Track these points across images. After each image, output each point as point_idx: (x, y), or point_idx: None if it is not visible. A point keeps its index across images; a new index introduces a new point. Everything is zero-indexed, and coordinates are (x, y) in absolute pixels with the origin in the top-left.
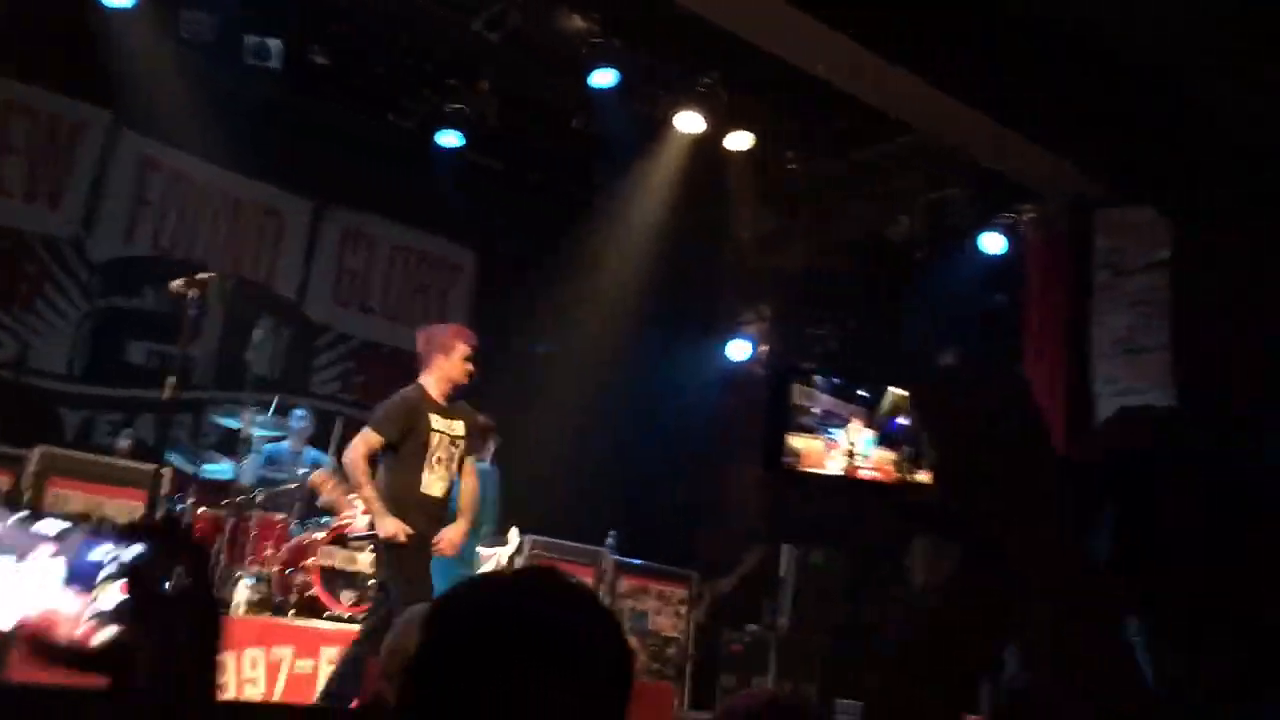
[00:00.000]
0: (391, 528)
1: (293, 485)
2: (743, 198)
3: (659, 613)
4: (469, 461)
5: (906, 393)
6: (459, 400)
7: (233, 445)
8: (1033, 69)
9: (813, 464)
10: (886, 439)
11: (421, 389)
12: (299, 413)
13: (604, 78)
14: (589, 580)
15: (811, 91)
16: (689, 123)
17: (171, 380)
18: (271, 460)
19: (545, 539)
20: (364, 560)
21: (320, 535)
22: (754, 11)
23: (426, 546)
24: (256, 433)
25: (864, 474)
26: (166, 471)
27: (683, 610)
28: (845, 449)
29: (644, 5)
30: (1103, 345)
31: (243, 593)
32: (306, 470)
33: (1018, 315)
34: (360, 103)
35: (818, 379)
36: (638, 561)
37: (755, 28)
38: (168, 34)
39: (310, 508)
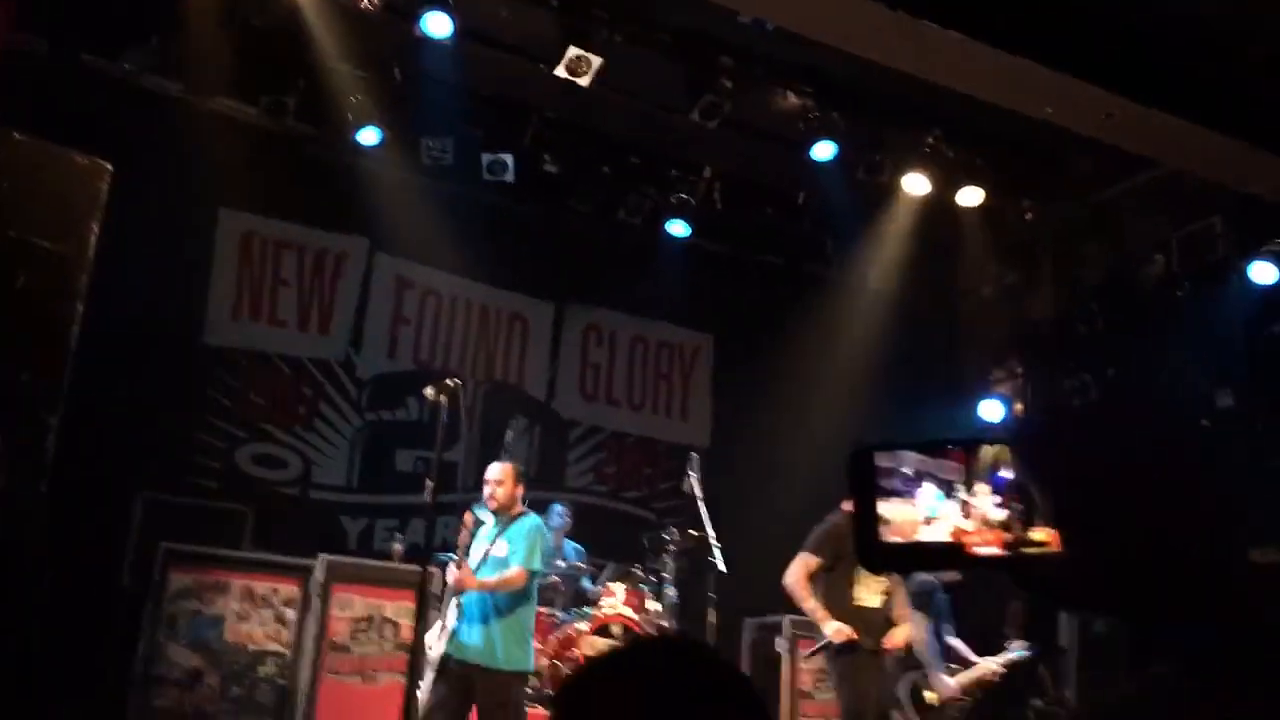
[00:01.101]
0: (834, 629)
1: (555, 579)
2: (980, 253)
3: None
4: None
5: (1004, 445)
6: None
7: None
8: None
9: (907, 533)
10: (995, 495)
11: (848, 518)
12: (558, 508)
13: (824, 150)
14: None
15: (1040, 136)
16: (916, 184)
17: (430, 485)
18: None
19: (805, 619)
20: None
21: (585, 626)
22: (968, 63)
23: (868, 655)
24: None
25: (976, 547)
26: (434, 571)
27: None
28: (951, 513)
29: (856, 74)
30: None
31: None
32: (567, 563)
33: None
34: (591, 204)
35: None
36: None
37: (972, 80)
38: (412, 162)
39: (574, 599)
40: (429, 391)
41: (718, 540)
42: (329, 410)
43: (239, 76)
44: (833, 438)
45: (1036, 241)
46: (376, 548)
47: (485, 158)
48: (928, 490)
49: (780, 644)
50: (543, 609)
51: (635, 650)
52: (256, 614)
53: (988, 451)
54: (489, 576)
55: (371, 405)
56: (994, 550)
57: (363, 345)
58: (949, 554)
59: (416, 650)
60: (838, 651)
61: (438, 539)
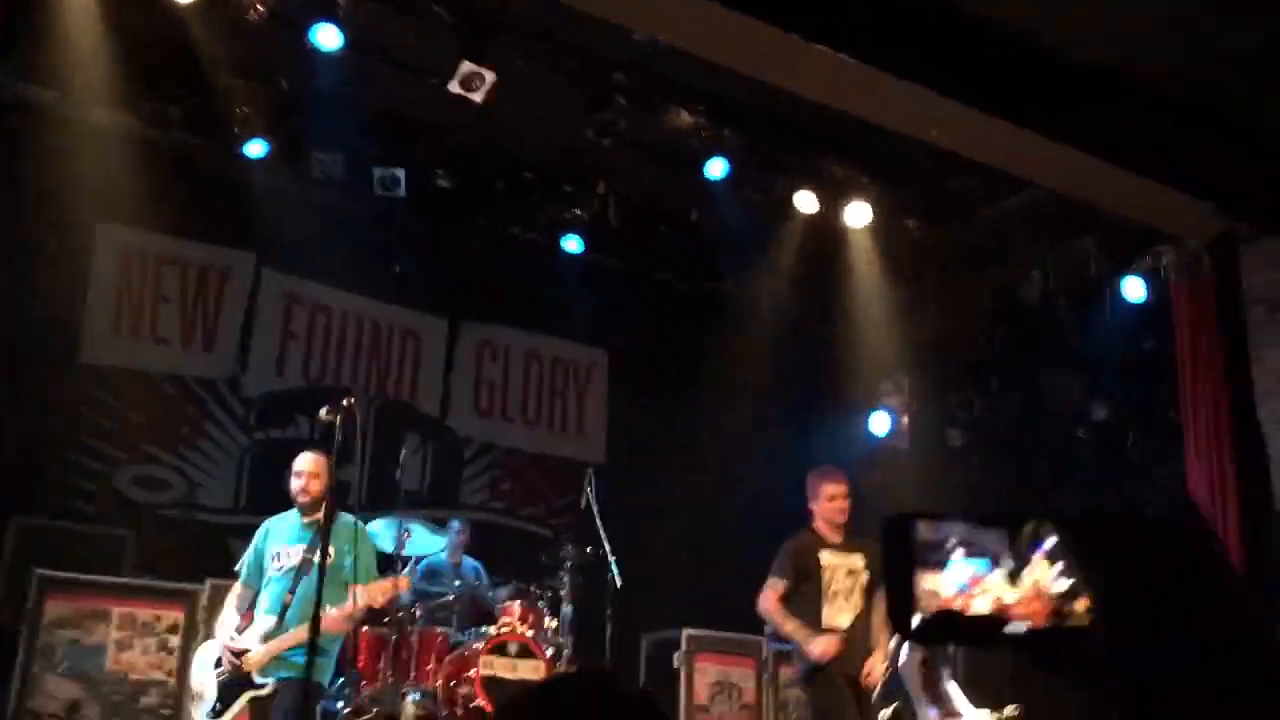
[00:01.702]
0: (820, 646)
1: (450, 598)
2: (868, 270)
3: None
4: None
5: (1044, 521)
6: (856, 534)
7: (391, 563)
8: (1158, 113)
9: (949, 605)
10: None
11: (812, 530)
12: (455, 525)
13: (716, 168)
14: (750, 671)
15: (927, 157)
16: (806, 202)
17: (326, 504)
18: (430, 573)
19: (701, 632)
20: (525, 668)
21: (479, 645)
22: (858, 86)
23: (843, 681)
24: (410, 550)
25: (1015, 621)
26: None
27: None
28: (997, 584)
29: (749, 93)
30: (1266, 382)
31: (409, 709)
32: (463, 582)
33: (1168, 361)
34: (485, 219)
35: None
36: None
37: (861, 102)
38: (300, 175)
39: (470, 619)
40: (323, 413)
41: (614, 556)
42: (214, 429)
43: (119, 86)
44: (728, 451)
45: (922, 259)
46: None
47: (377, 172)
48: (970, 562)
49: (677, 658)
50: (439, 628)
51: (550, 688)
52: (139, 642)
53: (1029, 525)
54: (330, 603)
55: (259, 424)
56: (1029, 624)
57: (249, 363)
58: (988, 627)
59: (308, 674)
60: (806, 678)
61: None
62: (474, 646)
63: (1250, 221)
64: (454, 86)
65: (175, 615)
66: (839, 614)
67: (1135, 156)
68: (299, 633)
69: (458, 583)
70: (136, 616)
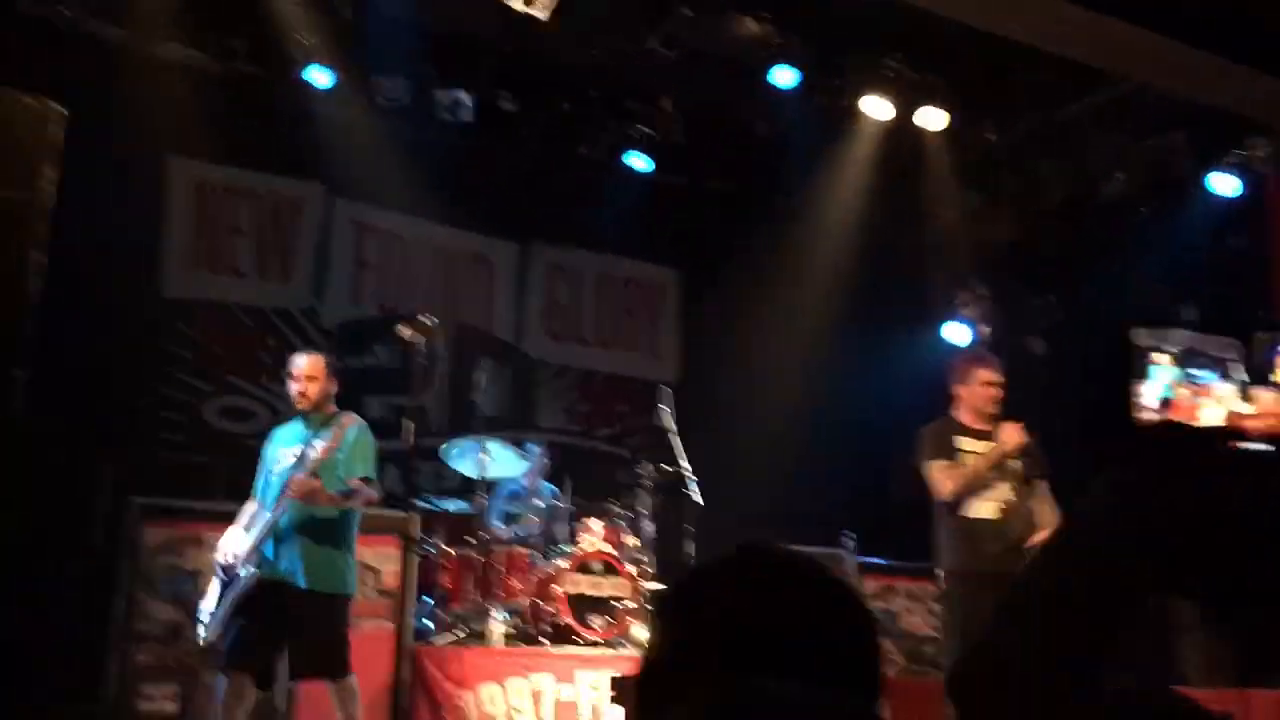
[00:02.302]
0: (1013, 436)
1: (533, 518)
2: (943, 176)
3: (910, 611)
4: (1038, 482)
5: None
6: (1001, 421)
7: (472, 485)
8: None
9: (1184, 416)
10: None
11: (948, 418)
12: (533, 448)
13: (785, 77)
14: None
15: (1000, 54)
16: (877, 109)
17: (410, 427)
18: (511, 496)
19: (786, 547)
20: (609, 585)
21: (564, 564)
22: None
23: (980, 580)
24: (492, 472)
25: (1252, 431)
26: (414, 517)
27: (935, 607)
28: (1229, 395)
29: None
30: None
31: (498, 627)
32: (544, 504)
33: (1260, 260)
34: (551, 141)
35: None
36: (880, 561)
37: None
38: (366, 103)
39: (552, 539)
40: (404, 331)
41: (692, 473)
42: None
43: (184, 20)
44: (802, 367)
45: (998, 163)
46: None
47: (441, 96)
48: (1208, 377)
49: None
50: (522, 550)
51: (741, 558)
52: None
53: (1264, 333)
54: (330, 482)
55: (339, 353)
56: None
57: (325, 292)
58: (1218, 443)
59: (403, 595)
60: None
61: (416, 484)
62: (559, 564)
63: None
64: (515, 4)
65: None
66: (983, 506)
67: (1225, 41)
68: (274, 514)
69: (540, 503)
70: None
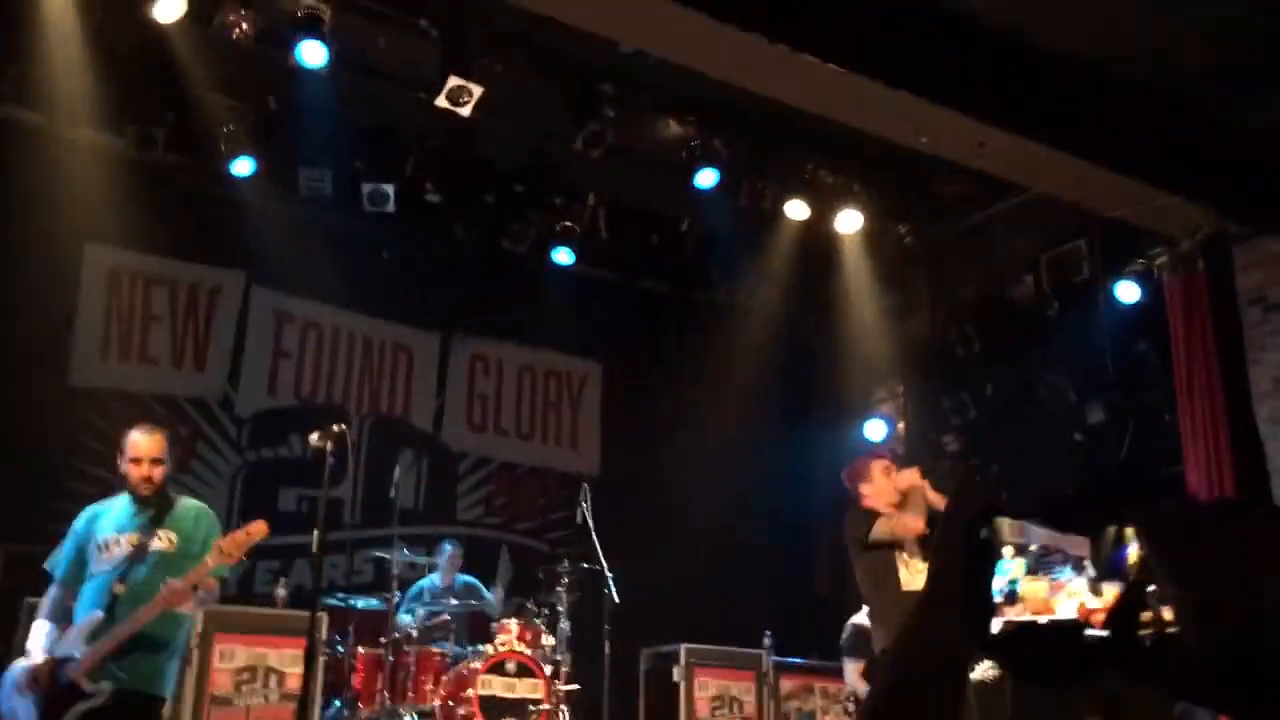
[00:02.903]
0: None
1: (446, 616)
2: (860, 275)
3: (826, 711)
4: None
5: (1131, 528)
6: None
7: (385, 583)
8: (1148, 115)
9: (1038, 610)
10: (1116, 575)
11: (864, 509)
12: (447, 546)
13: (707, 178)
14: (751, 684)
15: (916, 163)
16: (797, 210)
17: (315, 533)
18: (424, 593)
19: (700, 646)
20: (524, 687)
21: (478, 664)
22: (846, 94)
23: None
24: (403, 564)
25: (1097, 624)
26: (323, 617)
27: (850, 707)
28: (1081, 589)
29: (738, 102)
30: (1263, 384)
31: None
32: (458, 602)
33: (1163, 363)
34: (475, 233)
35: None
36: (798, 660)
37: (850, 110)
38: (290, 193)
39: (466, 636)
40: (314, 438)
41: (610, 570)
42: (206, 450)
43: (105, 106)
44: (723, 461)
45: (913, 264)
46: (258, 592)
47: (366, 188)
48: (1063, 572)
49: (677, 673)
50: (435, 647)
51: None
52: None
53: (1110, 530)
54: (173, 578)
55: (252, 443)
56: (1104, 633)
57: (241, 382)
58: (1068, 635)
59: (306, 700)
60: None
61: (324, 580)
62: (472, 665)
63: (1243, 222)
64: (441, 101)
65: None
66: (916, 577)
67: (1126, 159)
68: (132, 625)
69: (453, 601)
70: None
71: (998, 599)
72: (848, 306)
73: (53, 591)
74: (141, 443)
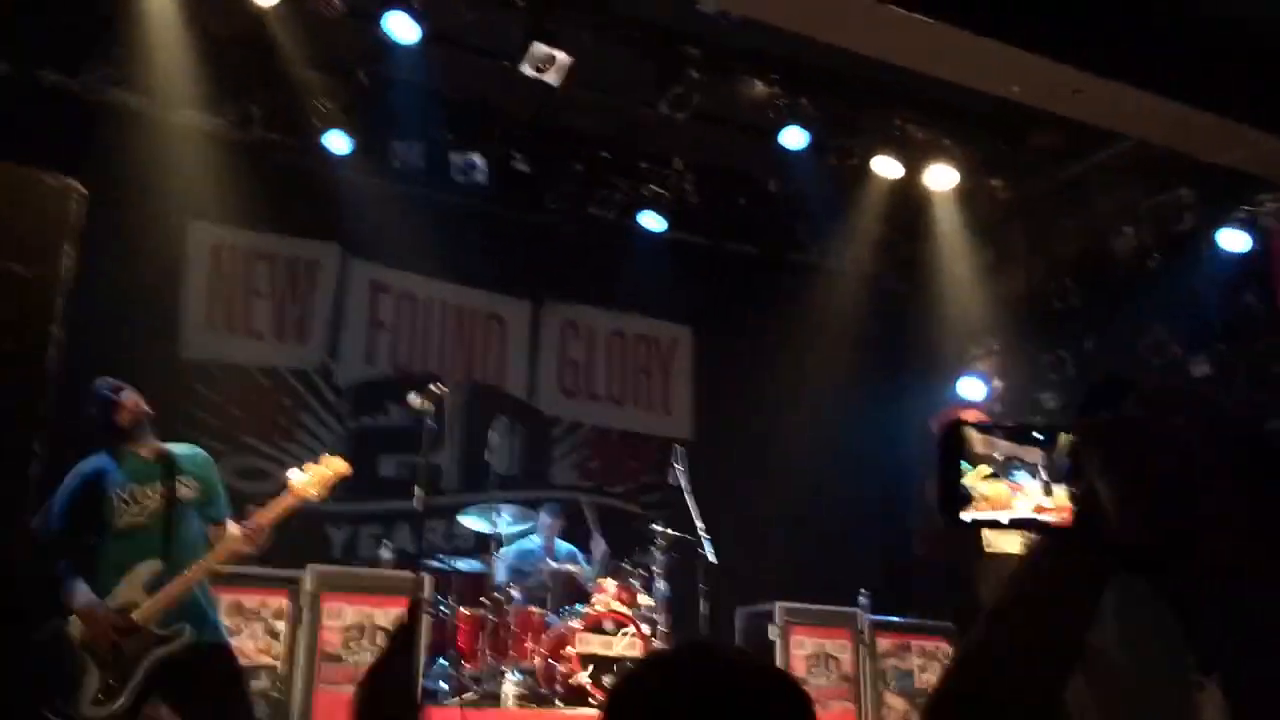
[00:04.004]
0: None
1: (545, 577)
2: (953, 232)
3: (924, 670)
4: None
5: (1074, 437)
6: None
7: (485, 545)
8: (1249, 53)
9: (999, 507)
10: (1067, 480)
11: None
12: (545, 517)
13: (794, 138)
14: (847, 643)
15: (1009, 114)
16: (887, 167)
17: (419, 491)
18: (525, 555)
19: (796, 605)
20: (622, 645)
21: (577, 624)
22: (933, 45)
23: None
24: (505, 530)
25: (1048, 517)
26: (427, 577)
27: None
28: (1035, 491)
29: (823, 59)
30: None
31: (510, 687)
32: (558, 564)
33: (1270, 313)
34: (563, 201)
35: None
36: (895, 619)
37: (938, 62)
38: (382, 166)
39: (565, 598)
40: (414, 399)
41: (706, 531)
42: (309, 419)
43: (203, 87)
44: (816, 423)
45: (1008, 219)
46: (362, 555)
47: (455, 159)
48: (1020, 476)
49: (772, 631)
50: (535, 608)
51: (676, 657)
52: (247, 628)
53: (1064, 440)
54: (214, 523)
55: (352, 412)
56: (1064, 519)
57: (340, 353)
58: (1024, 524)
59: (412, 655)
60: None
61: (425, 544)
62: (571, 624)
63: None
64: (526, 69)
65: (280, 601)
66: (1003, 539)
67: (1227, 101)
68: (203, 570)
69: (553, 564)
70: (243, 603)
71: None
72: (941, 264)
73: (60, 552)
74: (128, 394)
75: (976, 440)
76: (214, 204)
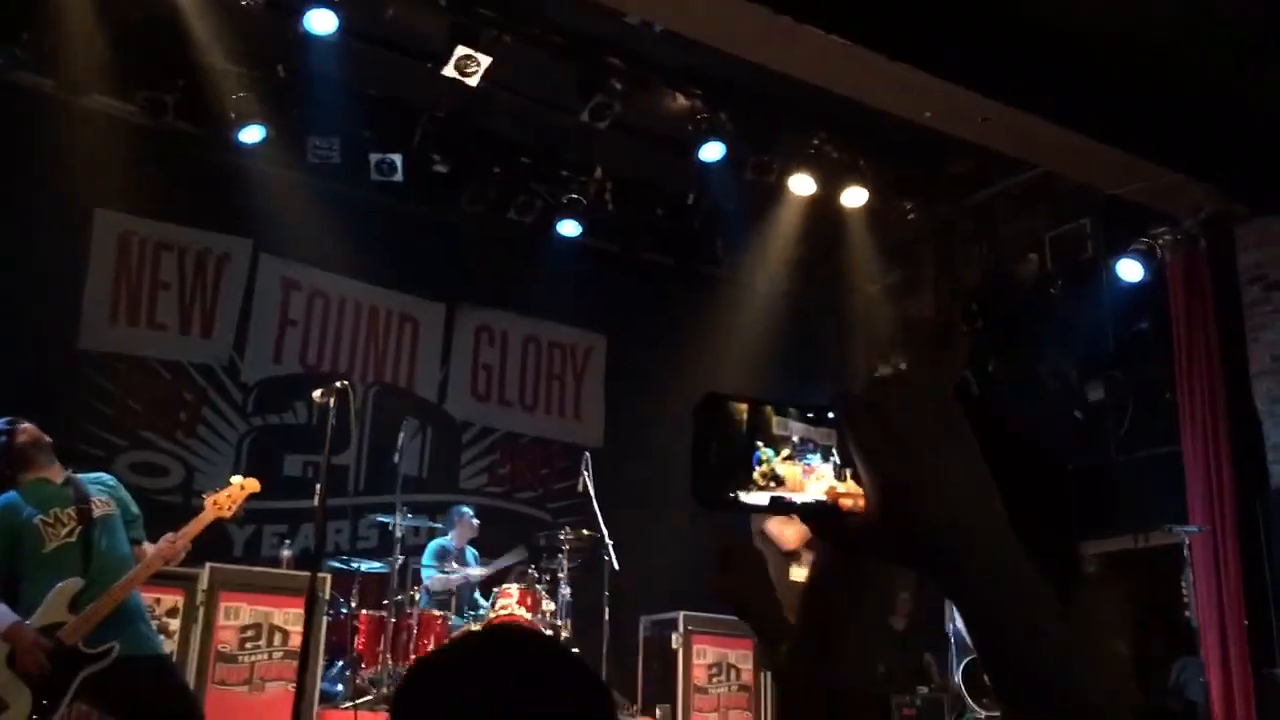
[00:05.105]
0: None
1: (456, 580)
2: (864, 252)
3: None
4: None
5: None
6: None
7: (388, 546)
8: (1154, 94)
9: (794, 489)
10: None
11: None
12: (464, 509)
13: (712, 151)
14: (748, 653)
15: (921, 139)
16: (802, 185)
17: (320, 489)
18: (440, 555)
19: (699, 614)
20: None
21: (478, 628)
22: (852, 68)
23: None
24: (407, 527)
25: (845, 502)
26: (325, 578)
27: None
28: (828, 474)
29: (744, 76)
30: (1262, 362)
31: None
32: (467, 566)
33: (1163, 341)
34: (481, 204)
35: (791, 410)
36: None
37: (855, 84)
38: (298, 161)
39: (470, 602)
40: (317, 395)
41: (611, 539)
42: (212, 415)
43: (115, 73)
44: None
45: (918, 241)
46: (264, 554)
47: (373, 157)
48: (815, 459)
49: (675, 640)
50: (438, 611)
51: (467, 645)
52: None
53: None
54: (135, 539)
55: (257, 410)
56: (818, 498)
57: (247, 349)
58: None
59: (307, 658)
60: None
61: (328, 544)
62: (472, 629)
63: (1245, 201)
64: (449, 70)
65: (175, 599)
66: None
67: (1130, 136)
68: (128, 585)
69: (459, 567)
70: None
71: (761, 479)
72: (852, 282)
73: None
74: (29, 425)
75: (776, 423)
76: (122, 192)
